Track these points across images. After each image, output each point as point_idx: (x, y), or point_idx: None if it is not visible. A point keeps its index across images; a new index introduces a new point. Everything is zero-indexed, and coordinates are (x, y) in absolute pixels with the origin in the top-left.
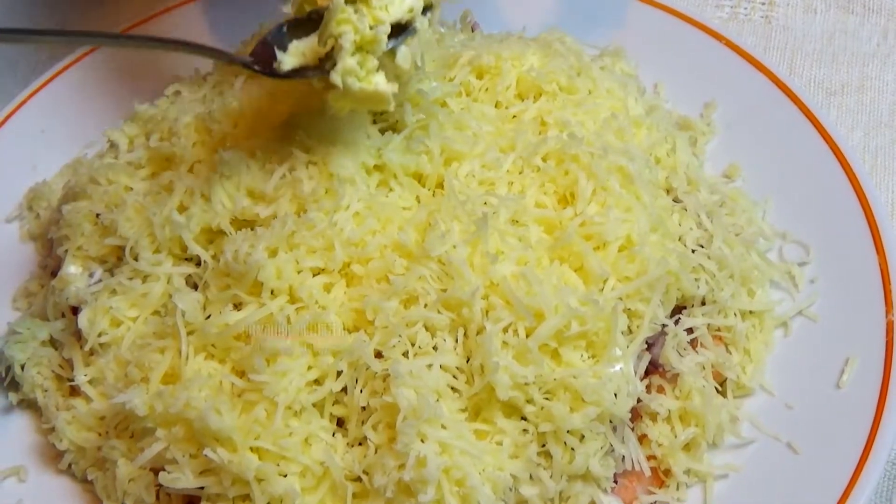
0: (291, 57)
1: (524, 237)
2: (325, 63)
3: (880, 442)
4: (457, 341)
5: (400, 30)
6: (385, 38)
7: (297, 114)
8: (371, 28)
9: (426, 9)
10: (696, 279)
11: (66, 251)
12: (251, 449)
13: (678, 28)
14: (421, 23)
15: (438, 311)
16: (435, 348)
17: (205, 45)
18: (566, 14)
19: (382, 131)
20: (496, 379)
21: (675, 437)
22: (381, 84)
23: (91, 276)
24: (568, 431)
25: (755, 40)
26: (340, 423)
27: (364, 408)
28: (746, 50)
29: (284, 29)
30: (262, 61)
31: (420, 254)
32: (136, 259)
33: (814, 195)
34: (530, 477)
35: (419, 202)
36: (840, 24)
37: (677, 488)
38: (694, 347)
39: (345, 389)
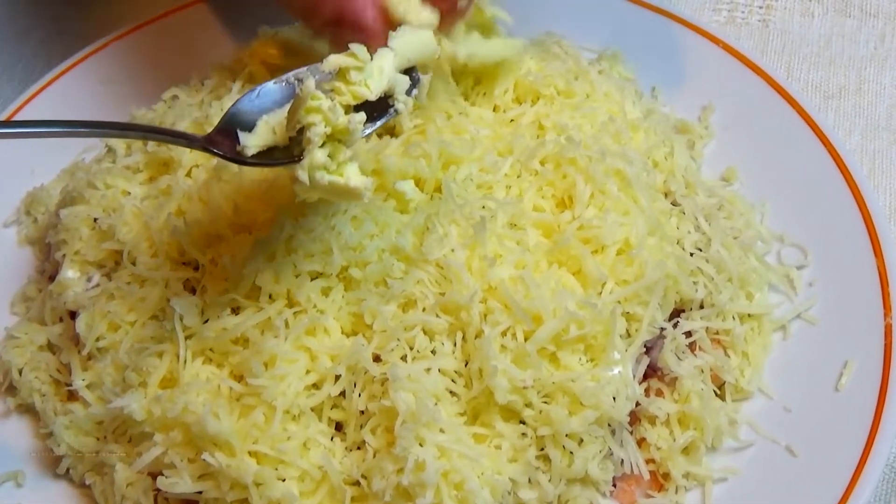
0: (258, 137)
1: (522, 241)
2: (293, 147)
3: (879, 445)
4: (455, 345)
5: (378, 109)
6: (360, 127)
7: None
8: (346, 113)
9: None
10: (694, 282)
11: (64, 256)
12: (249, 453)
13: (675, 32)
14: (404, 104)
15: (437, 315)
16: (433, 352)
17: (159, 128)
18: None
19: (380, 135)
20: (495, 383)
21: (674, 440)
22: (354, 178)
23: (89, 280)
24: (566, 435)
25: (752, 44)
26: (339, 427)
27: (362, 412)
28: (744, 53)
29: (256, 95)
30: (225, 141)
31: (418, 258)
32: (133, 263)
33: (811, 198)
34: (529, 480)
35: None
36: (837, 28)
37: (676, 492)
38: (692, 351)
39: (343, 393)
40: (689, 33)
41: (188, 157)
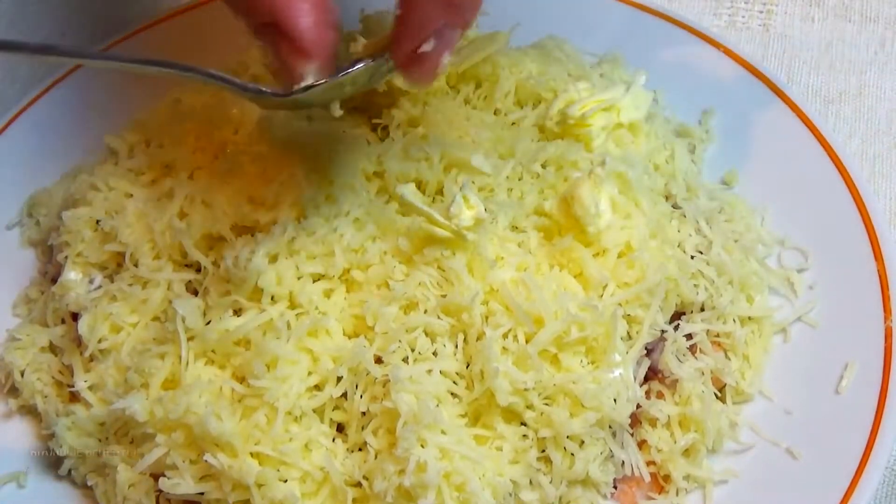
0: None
1: (523, 243)
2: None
3: (879, 447)
4: (457, 347)
5: None
6: None
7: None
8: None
9: None
10: (695, 285)
11: (67, 257)
12: (251, 454)
13: (676, 36)
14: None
15: (438, 317)
16: (435, 354)
17: (216, 73)
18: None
19: (382, 138)
20: (496, 384)
21: (675, 442)
22: None
23: (91, 282)
24: (567, 437)
25: (753, 48)
26: (340, 428)
27: (364, 413)
28: (744, 58)
29: None
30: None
31: (420, 260)
32: (136, 265)
33: (812, 202)
34: (530, 482)
35: None
36: (838, 33)
37: (677, 494)
38: (693, 353)
39: (345, 395)
40: (690, 37)
41: (190, 159)
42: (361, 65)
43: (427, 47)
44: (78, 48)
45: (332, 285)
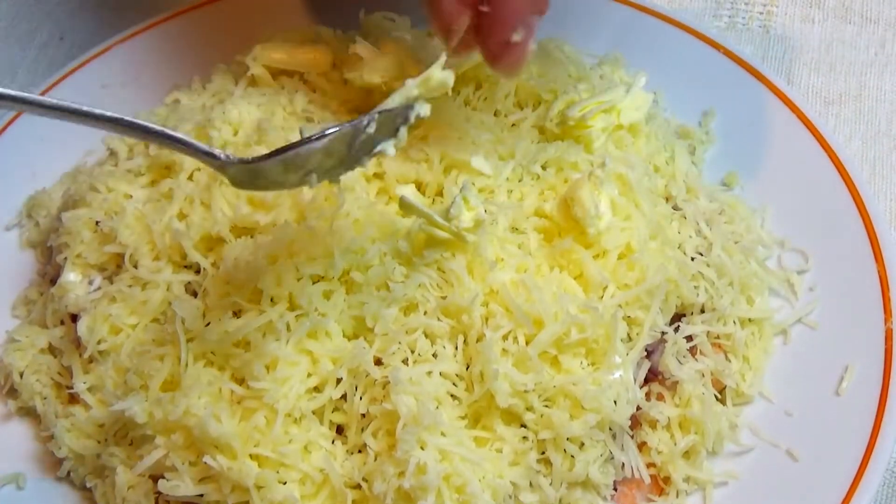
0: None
1: (523, 244)
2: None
3: (880, 449)
4: (456, 348)
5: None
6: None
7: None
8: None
9: None
10: (695, 287)
11: (66, 258)
12: (251, 456)
13: (676, 37)
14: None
15: (438, 319)
16: (435, 355)
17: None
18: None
19: None
20: (496, 386)
21: (675, 444)
22: None
23: (90, 283)
24: (567, 439)
25: (753, 49)
26: (340, 430)
27: (364, 415)
28: (745, 59)
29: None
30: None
31: (420, 261)
32: (135, 266)
33: (812, 203)
34: (530, 484)
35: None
36: (838, 34)
37: (677, 496)
38: (693, 355)
39: (344, 396)
40: (691, 38)
41: (190, 160)
42: (335, 129)
43: (517, 37)
44: (21, 94)
45: (331, 287)
